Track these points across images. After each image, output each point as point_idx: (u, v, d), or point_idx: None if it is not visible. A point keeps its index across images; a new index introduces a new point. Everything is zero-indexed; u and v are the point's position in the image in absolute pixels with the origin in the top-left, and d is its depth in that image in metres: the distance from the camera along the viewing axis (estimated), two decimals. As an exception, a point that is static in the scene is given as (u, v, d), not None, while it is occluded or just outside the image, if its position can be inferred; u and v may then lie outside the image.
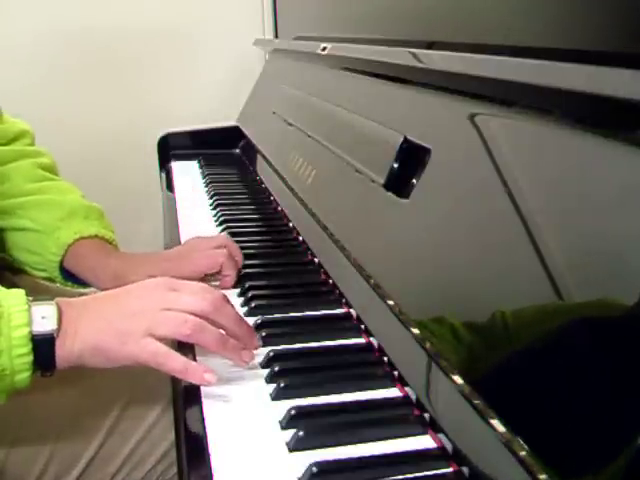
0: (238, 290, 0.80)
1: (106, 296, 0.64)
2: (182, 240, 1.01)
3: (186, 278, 0.69)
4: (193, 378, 0.59)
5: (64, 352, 0.59)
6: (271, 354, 0.64)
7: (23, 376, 0.57)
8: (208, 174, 1.41)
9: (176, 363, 0.59)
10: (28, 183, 0.90)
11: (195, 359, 0.64)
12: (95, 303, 0.63)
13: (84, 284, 0.88)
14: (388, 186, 0.72)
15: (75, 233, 0.85)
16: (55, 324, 0.58)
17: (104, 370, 0.64)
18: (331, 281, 0.80)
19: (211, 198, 1.23)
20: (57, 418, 0.78)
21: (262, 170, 1.35)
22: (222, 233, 0.99)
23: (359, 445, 0.51)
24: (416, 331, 0.56)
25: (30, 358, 0.57)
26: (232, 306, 0.65)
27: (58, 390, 0.78)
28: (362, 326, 0.69)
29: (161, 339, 0.60)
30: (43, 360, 0.58)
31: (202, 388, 0.60)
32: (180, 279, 0.66)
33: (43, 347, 0.58)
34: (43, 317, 0.58)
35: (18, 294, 0.59)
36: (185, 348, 0.65)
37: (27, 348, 0.57)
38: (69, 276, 0.87)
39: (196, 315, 0.61)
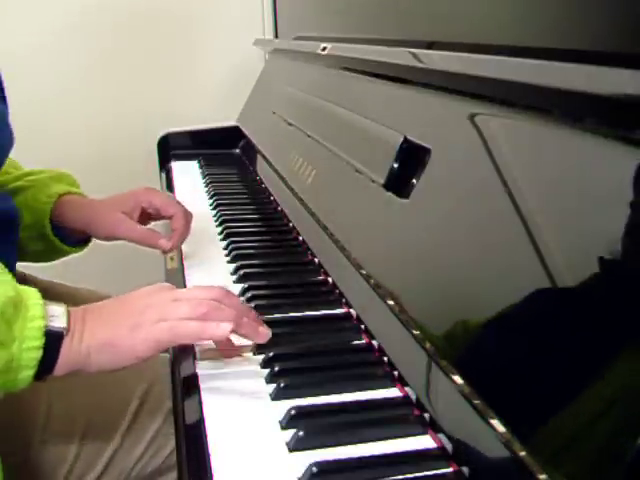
0: (238, 290, 0.80)
1: (111, 301, 0.64)
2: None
3: (144, 208, 0.93)
4: (213, 332, 0.59)
5: (70, 352, 0.58)
6: (271, 354, 0.64)
7: (27, 374, 0.56)
8: (208, 174, 1.41)
9: (191, 326, 0.59)
10: (16, 169, 0.99)
11: (195, 359, 0.65)
12: (101, 307, 0.63)
13: (71, 243, 0.96)
14: (388, 186, 0.72)
15: (65, 188, 0.94)
16: (65, 323, 0.58)
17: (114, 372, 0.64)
18: (331, 281, 0.80)
19: (211, 198, 1.23)
20: (80, 417, 0.80)
21: (262, 170, 1.35)
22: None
23: (359, 445, 0.51)
24: (416, 331, 0.56)
25: (39, 353, 0.55)
26: (237, 297, 0.67)
27: (77, 391, 0.80)
28: (362, 326, 0.69)
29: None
30: (47, 360, 0.56)
31: (202, 388, 0.60)
32: (138, 206, 0.92)
33: (51, 345, 0.56)
34: (52, 315, 0.57)
35: (34, 291, 0.59)
36: (186, 349, 0.66)
37: (39, 342, 0.55)
38: (56, 232, 0.93)
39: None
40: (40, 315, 0.56)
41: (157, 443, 0.84)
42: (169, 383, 0.66)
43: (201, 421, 0.56)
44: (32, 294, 0.58)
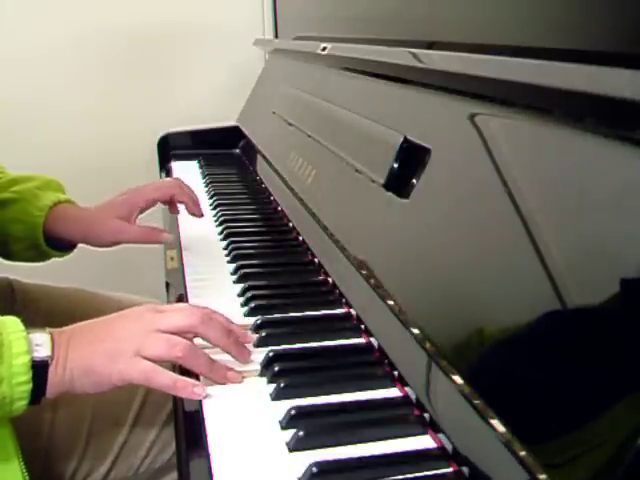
0: (238, 290, 0.80)
1: (95, 323, 0.65)
2: (182, 240, 1.01)
3: (141, 208, 0.94)
4: (183, 393, 0.59)
5: (56, 378, 0.59)
6: (271, 354, 0.64)
7: (21, 404, 0.58)
8: (208, 174, 1.41)
9: (165, 379, 0.60)
10: (4, 174, 1.00)
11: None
12: (85, 330, 0.63)
13: (62, 249, 0.96)
14: (388, 186, 0.72)
15: (54, 198, 0.94)
16: (49, 351, 0.59)
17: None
18: (331, 281, 0.80)
19: (211, 198, 1.23)
20: (86, 412, 0.80)
21: (262, 170, 1.35)
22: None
23: (359, 445, 0.51)
24: (416, 331, 0.56)
25: (30, 386, 0.57)
26: (221, 315, 0.66)
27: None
28: (362, 326, 0.69)
29: (151, 360, 0.60)
30: (37, 388, 0.58)
31: (202, 388, 0.60)
32: (135, 210, 0.93)
33: (39, 375, 0.58)
34: (37, 345, 0.59)
35: (14, 321, 0.59)
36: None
37: (27, 376, 0.57)
38: (49, 241, 0.94)
39: (183, 330, 0.62)
40: (24, 350, 0.57)
41: (163, 438, 0.84)
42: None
43: (201, 421, 0.56)
44: (13, 328, 0.58)
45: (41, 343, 0.59)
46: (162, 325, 0.62)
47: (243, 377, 0.62)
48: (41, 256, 0.96)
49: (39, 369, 0.58)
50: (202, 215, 1.01)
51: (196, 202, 1.01)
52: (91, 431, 0.80)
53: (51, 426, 0.78)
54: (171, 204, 1.01)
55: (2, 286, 0.98)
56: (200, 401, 0.59)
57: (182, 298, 0.82)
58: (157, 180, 1.02)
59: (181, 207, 1.02)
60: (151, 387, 0.61)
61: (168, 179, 1.00)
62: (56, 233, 0.93)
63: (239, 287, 0.81)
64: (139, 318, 0.63)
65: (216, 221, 1.10)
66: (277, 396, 0.58)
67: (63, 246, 0.96)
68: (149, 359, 0.60)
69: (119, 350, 0.60)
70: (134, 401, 0.83)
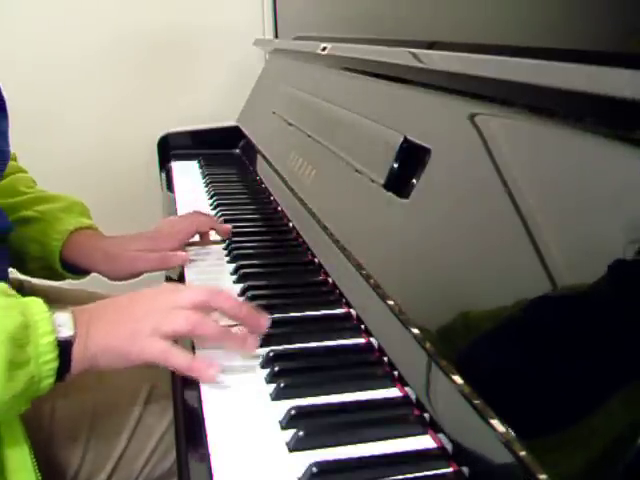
0: (238, 290, 0.80)
1: (114, 302, 0.67)
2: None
3: (170, 249, 0.90)
4: (198, 374, 0.61)
5: (79, 356, 0.61)
6: (271, 354, 0.64)
7: (48, 382, 0.59)
8: (208, 174, 1.41)
9: (181, 359, 0.62)
10: (28, 188, 1.00)
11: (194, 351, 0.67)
12: (104, 309, 0.65)
13: (78, 272, 0.95)
14: (388, 186, 0.72)
15: (75, 222, 0.93)
16: (72, 330, 0.61)
17: (123, 369, 0.67)
18: (331, 281, 0.80)
19: (211, 198, 1.23)
20: (84, 418, 0.79)
21: (262, 170, 1.35)
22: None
23: (359, 445, 0.51)
24: (416, 331, 0.56)
25: (56, 364, 0.59)
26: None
27: (81, 391, 0.79)
28: (362, 326, 0.69)
29: (167, 337, 0.62)
30: (62, 365, 0.60)
31: (202, 388, 0.60)
32: (165, 250, 0.88)
33: (63, 352, 0.60)
34: (59, 325, 0.60)
35: (37, 302, 0.61)
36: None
37: (53, 354, 0.59)
38: (65, 265, 0.93)
39: (197, 305, 0.64)
40: (49, 330, 0.59)
41: (165, 445, 0.83)
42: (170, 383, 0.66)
43: (201, 421, 0.56)
44: (38, 308, 0.60)
45: (63, 323, 0.61)
46: (178, 302, 0.64)
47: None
48: (55, 276, 0.95)
49: (64, 348, 0.60)
50: (229, 229, 1.00)
51: (220, 229, 0.99)
52: (90, 439, 0.79)
53: (49, 434, 0.78)
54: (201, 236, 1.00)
55: (12, 286, 0.97)
56: (200, 401, 0.59)
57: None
58: (177, 219, 1.01)
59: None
60: (167, 366, 0.63)
61: (187, 217, 0.98)
62: (72, 259, 0.92)
63: (239, 287, 0.81)
64: (155, 298, 0.66)
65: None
66: (277, 396, 0.58)
67: (79, 270, 0.95)
68: (168, 336, 0.62)
69: (138, 330, 0.62)
70: (134, 409, 0.82)
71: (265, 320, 0.67)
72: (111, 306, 0.66)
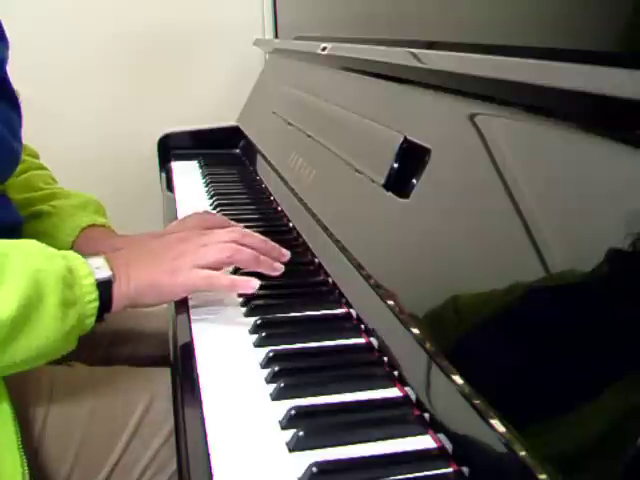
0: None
1: (145, 246, 0.75)
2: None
3: None
4: (243, 288, 0.72)
5: (121, 294, 0.68)
6: (271, 354, 0.64)
7: (91, 320, 0.66)
8: (208, 174, 1.41)
9: (223, 280, 0.71)
10: (46, 185, 1.01)
11: (190, 318, 0.73)
12: (138, 252, 0.73)
13: None
14: (388, 186, 0.72)
15: (88, 220, 0.95)
16: (109, 271, 0.68)
17: (122, 375, 0.75)
18: (331, 281, 0.80)
19: (211, 198, 1.23)
20: (78, 425, 0.77)
21: (262, 170, 1.35)
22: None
23: (359, 445, 0.51)
24: (416, 331, 0.56)
25: (97, 303, 0.66)
26: (254, 237, 0.78)
27: (75, 399, 0.78)
28: (362, 326, 0.69)
29: (208, 267, 0.71)
30: (104, 304, 0.67)
31: (202, 387, 0.60)
32: None
33: (104, 292, 0.67)
34: (97, 267, 0.67)
35: (71, 252, 0.68)
36: (181, 306, 0.75)
37: (95, 294, 0.66)
38: None
39: (228, 242, 0.73)
40: (88, 272, 0.66)
41: (162, 458, 0.78)
42: (170, 395, 0.66)
43: (201, 421, 0.56)
44: (75, 256, 0.67)
45: (99, 265, 0.68)
46: (209, 241, 0.73)
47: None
48: None
49: (103, 287, 0.67)
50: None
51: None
52: (82, 447, 0.76)
53: (40, 439, 0.75)
54: None
55: None
56: (200, 400, 0.59)
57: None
58: (184, 220, 1.00)
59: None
60: (213, 289, 0.72)
61: (196, 217, 0.96)
62: (81, 253, 0.93)
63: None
64: (189, 238, 0.74)
65: (216, 221, 1.09)
66: (277, 396, 0.58)
67: None
68: (208, 266, 0.71)
69: (178, 266, 0.70)
70: (130, 419, 0.78)
71: (286, 252, 0.79)
72: (145, 249, 0.74)
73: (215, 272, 0.71)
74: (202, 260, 0.71)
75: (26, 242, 0.66)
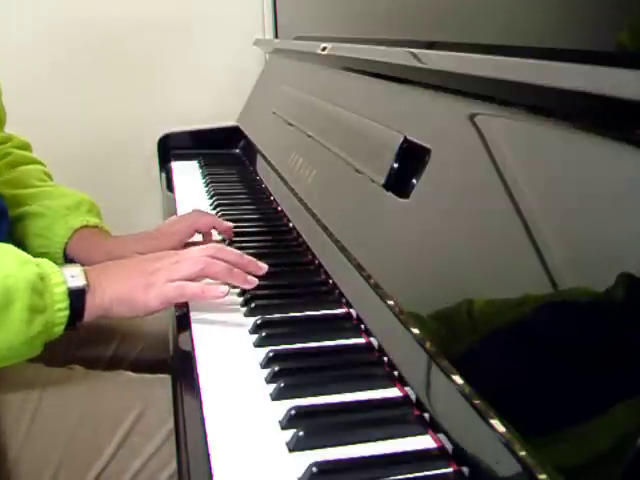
0: (238, 290, 0.80)
1: (119, 263, 0.75)
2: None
3: (170, 248, 0.87)
4: (211, 295, 0.72)
5: (94, 304, 0.69)
6: (271, 354, 0.64)
7: (60, 328, 0.66)
8: (208, 174, 1.41)
9: (195, 288, 0.71)
10: (38, 181, 1.01)
11: (190, 319, 0.73)
12: (114, 267, 0.74)
13: None
14: (388, 186, 0.72)
15: (81, 220, 0.95)
16: (84, 280, 0.68)
17: (117, 381, 0.76)
18: (331, 281, 0.80)
19: (211, 198, 1.23)
20: (65, 428, 0.76)
21: (262, 170, 1.35)
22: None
23: (359, 445, 0.51)
24: (416, 331, 0.56)
25: (67, 312, 0.66)
26: (230, 252, 0.78)
27: (66, 401, 0.77)
28: (362, 326, 0.69)
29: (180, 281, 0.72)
30: (75, 313, 0.67)
31: (202, 387, 0.60)
32: (166, 249, 0.87)
33: (77, 301, 0.67)
34: (72, 276, 0.68)
35: (46, 260, 0.68)
36: (181, 306, 0.76)
37: (66, 303, 0.66)
38: (67, 261, 0.94)
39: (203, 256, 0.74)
40: (61, 281, 0.66)
41: (152, 468, 0.75)
42: (164, 405, 0.66)
43: (201, 421, 0.56)
44: (48, 264, 0.68)
45: (75, 274, 0.68)
46: (184, 256, 0.74)
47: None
48: None
49: (76, 297, 0.67)
50: (230, 227, 0.99)
51: (221, 227, 0.99)
52: (67, 452, 0.74)
53: (24, 442, 0.74)
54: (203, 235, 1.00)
55: None
56: (200, 401, 0.59)
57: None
58: (177, 219, 1.01)
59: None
60: (184, 299, 0.73)
61: (188, 217, 0.99)
62: (74, 257, 0.93)
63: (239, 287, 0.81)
64: (164, 256, 0.75)
65: (216, 221, 1.09)
66: (277, 396, 0.58)
67: None
68: (181, 280, 0.72)
69: (152, 282, 0.71)
70: (120, 427, 0.76)
71: (264, 266, 0.79)
72: (119, 265, 0.74)
73: (186, 282, 0.72)
74: (175, 274, 0.72)
75: (1, 247, 0.67)
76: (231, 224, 1.00)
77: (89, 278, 0.69)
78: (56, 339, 0.68)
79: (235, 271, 0.75)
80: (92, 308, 0.69)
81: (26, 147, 1.07)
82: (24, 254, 0.68)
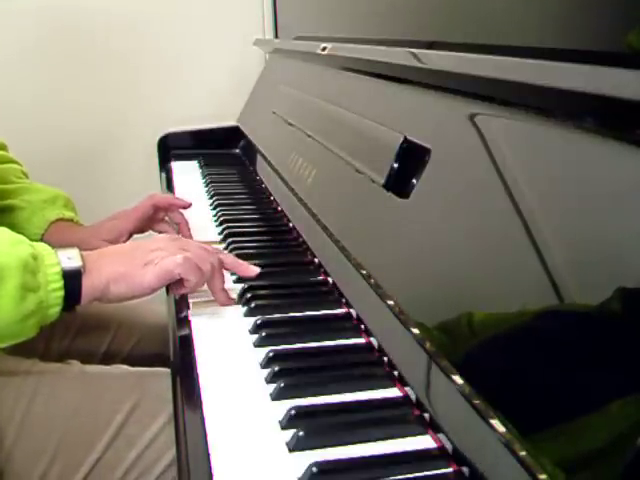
0: (238, 290, 0.80)
1: (117, 247, 0.77)
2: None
3: (132, 227, 1.00)
4: (243, 269, 0.78)
5: (91, 285, 0.68)
6: (271, 354, 0.64)
7: (55, 310, 0.66)
8: (208, 174, 1.41)
9: (196, 265, 0.72)
10: (16, 179, 1.04)
11: (190, 318, 0.74)
12: (112, 249, 0.75)
13: None
14: (388, 186, 0.72)
15: (57, 213, 0.99)
16: (80, 261, 0.68)
17: (113, 375, 0.74)
18: (331, 281, 0.80)
19: (211, 198, 1.23)
20: (60, 419, 0.76)
21: (262, 170, 1.35)
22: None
23: (359, 445, 0.51)
24: (416, 331, 0.56)
25: (62, 292, 0.66)
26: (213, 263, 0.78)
27: (62, 391, 0.78)
28: (362, 326, 0.69)
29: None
30: (71, 294, 0.67)
31: (202, 389, 0.60)
32: (128, 229, 0.99)
33: (73, 282, 0.67)
34: (69, 257, 0.68)
35: (42, 244, 0.69)
36: (181, 306, 0.77)
37: (60, 283, 0.66)
38: None
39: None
40: (56, 262, 0.66)
41: (148, 459, 0.76)
42: (160, 396, 0.66)
43: (201, 421, 0.56)
44: (44, 247, 0.68)
45: (72, 256, 0.68)
46: (186, 247, 0.74)
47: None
48: None
49: (72, 278, 0.67)
50: (189, 204, 1.06)
51: (178, 203, 1.06)
52: (62, 443, 0.75)
53: (18, 434, 0.74)
54: (156, 220, 1.06)
55: None
56: (201, 400, 0.59)
57: (183, 299, 0.81)
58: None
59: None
60: (185, 275, 0.72)
61: (147, 196, 1.06)
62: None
63: (239, 287, 0.81)
64: (165, 240, 0.76)
65: (216, 221, 1.09)
66: (277, 396, 0.58)
67: None
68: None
69: (151, 259, 0.71)
70: (115, 417, 0.76)
71: (256, 269, 0.79)
72: (118, 248, 0.76)
73: (190, 257, 0.72)
74: (177, 254, 0.72)
75: None
76: (189, 201, 1.06)
77: (86, 260, 0.69)
78: (53, 331, 0.68)
79: (217, 278, 0.75)
80: (89, 290, 0.68)
81: (2, 147, 1.10)
82: (19, 235, 0.68)
